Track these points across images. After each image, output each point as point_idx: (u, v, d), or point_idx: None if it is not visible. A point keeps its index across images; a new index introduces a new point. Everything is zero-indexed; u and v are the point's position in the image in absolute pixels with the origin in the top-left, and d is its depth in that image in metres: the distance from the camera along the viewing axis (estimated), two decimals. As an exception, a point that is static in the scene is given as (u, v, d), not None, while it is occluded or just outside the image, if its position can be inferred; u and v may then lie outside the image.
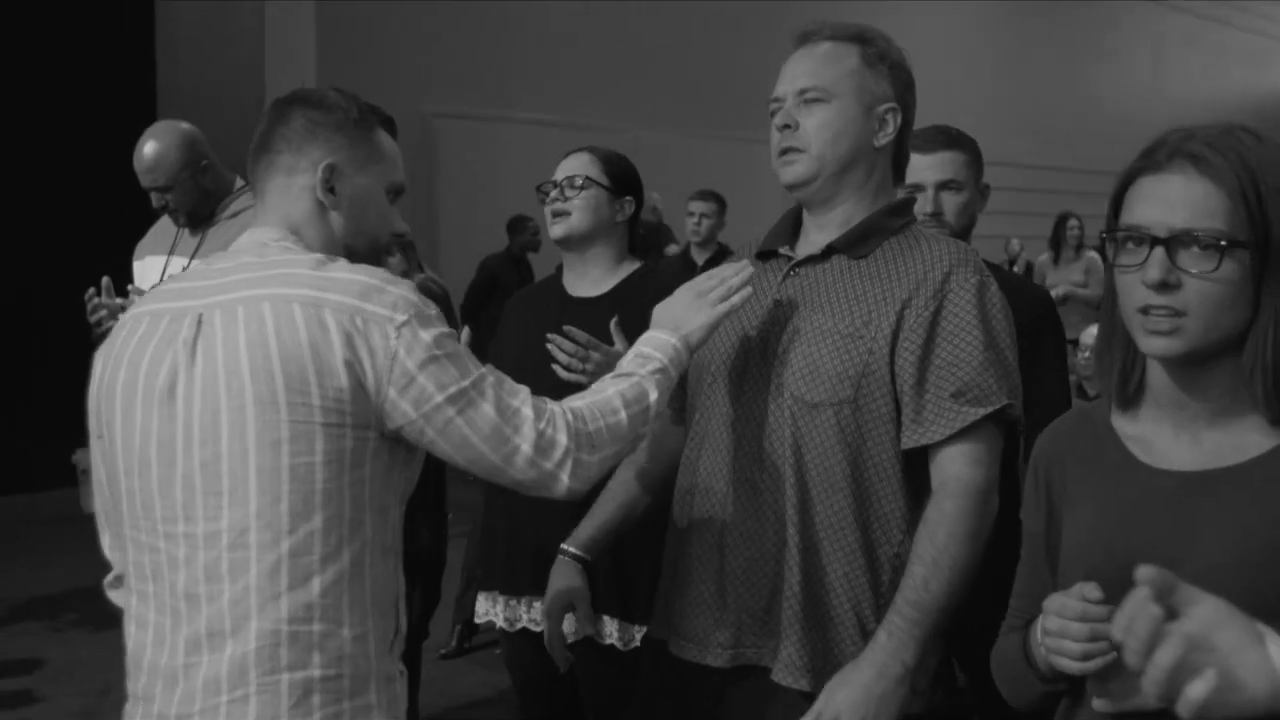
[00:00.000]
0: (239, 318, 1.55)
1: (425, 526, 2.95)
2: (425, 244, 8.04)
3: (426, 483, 2.74)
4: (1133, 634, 0.99)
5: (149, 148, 3.33)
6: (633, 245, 2.68)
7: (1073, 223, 8.42)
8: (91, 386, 1.69)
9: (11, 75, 7.33)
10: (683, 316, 1.86)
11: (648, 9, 10.50)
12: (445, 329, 1.61)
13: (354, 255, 1.72)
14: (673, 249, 7.46)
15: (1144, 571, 1.02)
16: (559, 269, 2.72)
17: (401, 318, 1.56)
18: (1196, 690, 0.97)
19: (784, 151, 1.90)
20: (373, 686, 1.59)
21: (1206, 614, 1.01)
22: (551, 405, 1.68)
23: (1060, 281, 8.33)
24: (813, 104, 1.88)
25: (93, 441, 1.70)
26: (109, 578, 1.79)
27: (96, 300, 3.29)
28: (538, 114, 9.81)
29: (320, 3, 8.46)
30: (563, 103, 9.98)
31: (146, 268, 3.54)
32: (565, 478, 1.65)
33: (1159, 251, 1.29)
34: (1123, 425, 1.43)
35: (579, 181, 2.56)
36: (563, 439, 1.64)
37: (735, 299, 1.85)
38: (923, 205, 2.59)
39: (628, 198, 2.62)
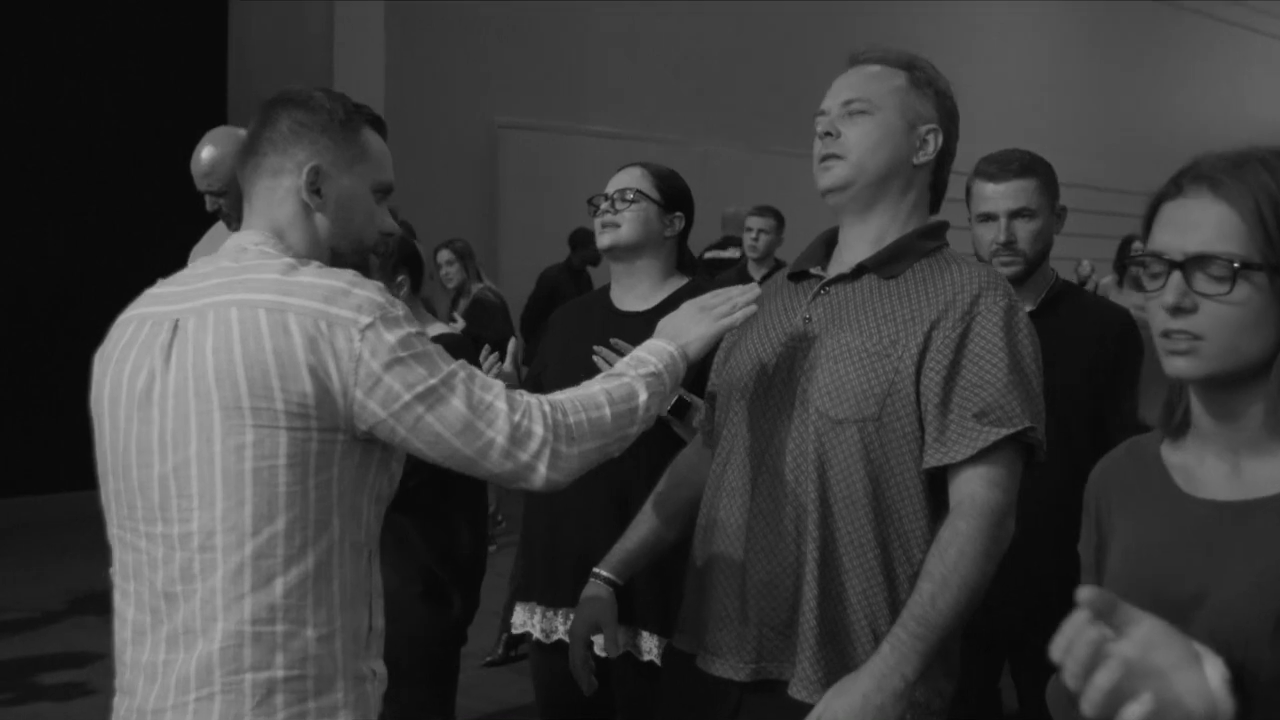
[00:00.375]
0: (209, 323, 1.58)
1: (466, 529, 2.96)
2: (485, 253, 8.11)
3: (467, 486, 2.75)
4: (1071, 656, 0.97)
5: (206, 152, 3.41)
6: (681, 262, 2.69)
7: (1137, 245, 8.31)
8: (91, 388, 1.74)
9: (84, 78, 7.50)
10: (683, 328, 1.89)
11: (718, 24, 10.51)
12: (413, 329, 1.62)
13: (340, 257, 1.73)
14: None
15: (1083, 593, 1.01)
16: (609, 284, 2.73)
17: (366, 320, 1.57)
18: (1133, 712, 0.96)
19: (824, 158, 1.92)
20: (340, 686, 1.61)
21: (1144, 635, 1.00)
22: (528, 397, 1.68)
23: (1124, 305, 8.21)
24: (856, 115, 1.91)
25: (95, 440, 1.74)
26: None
27: None
28: (604, 126, 9.85)
29: (390, 11, 8.56)
30: (630, 116, 10.02)
31: None
32: (543, 469, 1.65)
33: (1175, 275, 1.29)
34: (1169, 455, 1.43)
35: (630, 195, 2.58)
36: (539, 430, 1.64)
37: (738, 315, 1.88)
38: (995, 234, 2.61)
39: (678, 213, 2.64)
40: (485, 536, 4.92)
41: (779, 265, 5.86)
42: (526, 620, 2.64)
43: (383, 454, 1.66)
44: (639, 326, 2.48)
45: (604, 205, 2.61)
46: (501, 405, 1.63)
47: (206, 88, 7.86)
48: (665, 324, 1.92)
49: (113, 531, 1.69)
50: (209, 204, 3.47)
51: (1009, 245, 2.59)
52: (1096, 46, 15.02)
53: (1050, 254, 2.71)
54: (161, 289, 1.73)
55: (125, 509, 1.65)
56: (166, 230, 8.05)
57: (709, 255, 6.90)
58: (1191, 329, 1.29)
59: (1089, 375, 2.54)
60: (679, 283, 2.64)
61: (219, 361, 1.55)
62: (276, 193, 1.72)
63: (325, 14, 8.24)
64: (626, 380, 1.78)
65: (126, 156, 7.57)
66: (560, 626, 2.57)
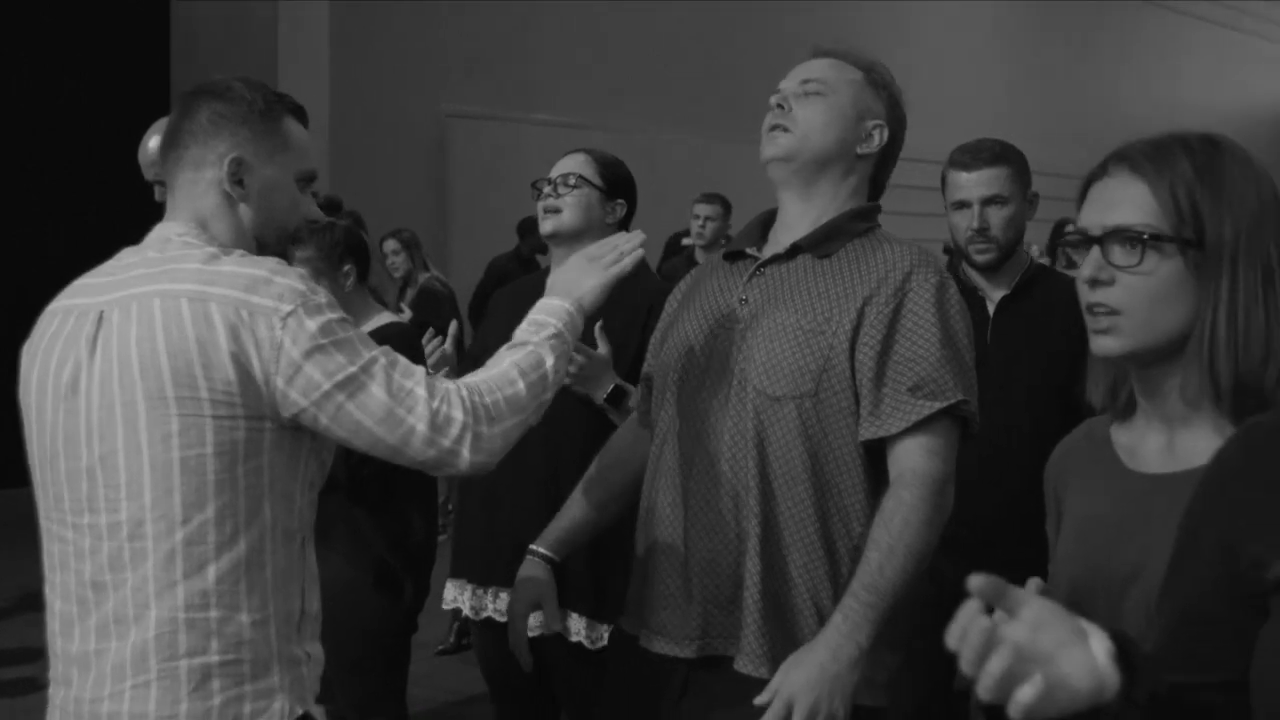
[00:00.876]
0: (132, 314, 1.59)
1: (418, 518, 2.98)
2: (434, 243, 8.09)
3: (419, 475, 2.75)
4: (966, 644, 1.02)
5: (153, 142, 3.38)
6: None
7: (1070, 227, 8.40)
8: (19, 381, 1.74)
9: (25, 76, 7.42)
10: (575, 281, 1.90)
11: (665, 13, 10.52)
12: (334, 315, 1.62)
13: (265, 246, 1.74)
14: None
15: (974, 581, 1.06)
16: (547, 267, 2.75)
17: (287, 308, 1.58)
18: (1024, 694, 1.00)
19: (772, 128, 1.97)
20: (275, 670, 1.63)
21: (1033, 616, 1.04)
22: (446, 383, 1.69)
23: None
24: (811, 95, 1.97)
25: (26, 432, 1.75)
26: None
27: None
28: (552, 115, 9.85)
29: (334, 1, 8.52)
30: (577, 105, 10.02)
31: None
32: (466, 452, 1.65)
33: (1094, 249, 1.35)
34: (1117, 434, 1.48)
35: (572, 180, 2.61)
36: (458, 415, 1.64)
37: (626, 262, 1.91)
38: (969, 221, 2.68)
39: (620, 200, 2.67)
40: (435, 525, 4.92)
41: (726, 252, 5.92)
42: (457, 596, 2.67)
43: (313, 441, 1.67)
44: None
45: (546, 190, 2.63)
46: (421, 392, 1.63)
47: (149, 82, 7.79)
48: (556, 280, 1.93)
49: (40, 523, 1.70)
50: (158, 194, 3.45)
51: (982, 231, 2.66)
52: (1037, 34, 15.17)
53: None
54: (88, 280, 1.73)
55: (52, 500, 1.66)
56: (108, 226, 7.99)
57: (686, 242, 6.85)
58: (1109, 302, 1.34)
59: (1062, 357, 2.56)
60: None
61: (143, 352, 1.56)
62: (199, 185, 1.72)
63: (269, 6, 8.19)
64: (532, 348, 1.79)
65: (68, 153, 7.51)
66: (490, 604, 2.60)
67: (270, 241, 1.76)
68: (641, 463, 2.10)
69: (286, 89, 6.40)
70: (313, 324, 1.58)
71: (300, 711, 1.65)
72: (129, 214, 8.57)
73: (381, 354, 1.65)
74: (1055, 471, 1.56)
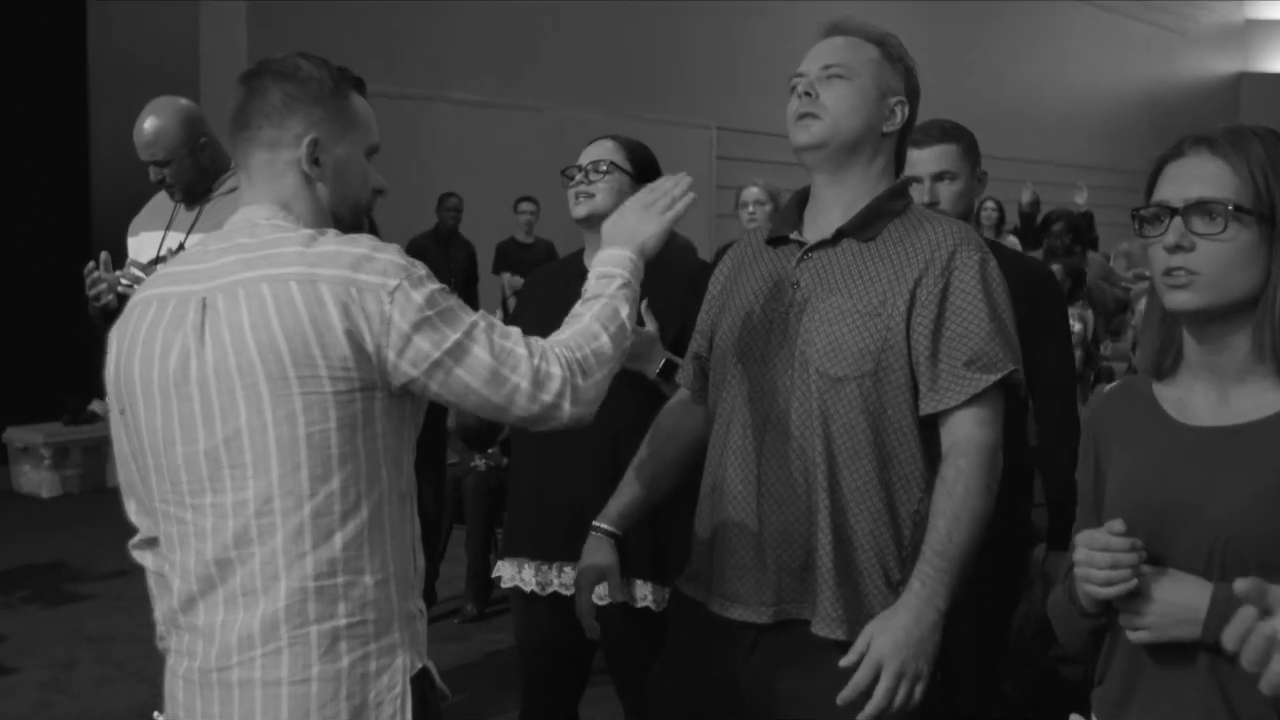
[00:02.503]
0: (240, 299, 1.63)
1: (428, 491, 3.05)
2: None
3: (429, 448, 2.81)
4: (1250, 646, 1.22)
5: (149, 123, 3.39)
6: None
7: (989, 204, 8.79)
8: (108, 365, 1.77)
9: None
10: (635, 228, 1.97)
11: (574, -9, 10.60)
12: (435, 286, 1.68)
13: (340, 221, 1.78)
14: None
15: (1240, 584, 1.24)
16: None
17: (393, 283, 1.63)
18: None
19: (801, 116, 2.04)
20: (396, 626, 1.70)
21: None
22: (541, 341, 1.76)
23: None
24: (834, 79, 2.03)
25: (114, 417, 1.79)
26: (135, 540, 1.89)
27: (96, 274, 3.35)
28: (465, 94, 9.88)
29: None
30: (490, 83, 10.06)
31: (142, 243, 3.59)
32: (567, 404, 1.73)
33: (1176, 220, 1.53)
34: (1161, 391, 1.65)
35: (604, 166, 2.69)
36: (557, 370, 1.72)
37: (680, 206, 2.00)
38: (920, 196, 2.80)
39: (648, 184, 2.75)
40: (444, 497, 4.98)
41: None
42: (515, 575, 2.72)
43: (414, 405, 1.73)
44: None
45: (578, 176, 2.70)
46: (522, 350, 1.71)
47: (66, 65, 7.63)
48: (613, 229, 1.99)
49: (154, 505, 1.74)
50: (153, 174, 3.46)
51: (932, 205, 2.78)
52: (932, 20, 15.55)
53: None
54: (176, 268, 1.75)
55: (168, 484, 1.69)
56: (33, 225, 7.84)
57: None
58: (1188, 265, 1.52)
59: None
60: None
61: (258, 336, 1.60)
62: (275, 165, 1.75)
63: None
64: (606, 300, 1.87)
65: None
66: (555, 580, 2.67)
67: (345, 216, 1.80)
68: (692, 436, 2.21)
69: (206, 67, 6.43)
70: (418, 296, 1.65)
71: (419, 665, 1.72)
72: (50, 210, 8.45)
73: (480, 317, 1.72)
74: (1094, 427, 1.72)
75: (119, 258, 3.50)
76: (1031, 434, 2.93)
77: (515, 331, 1.74)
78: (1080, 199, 10.98)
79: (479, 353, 1.68)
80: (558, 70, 10.57)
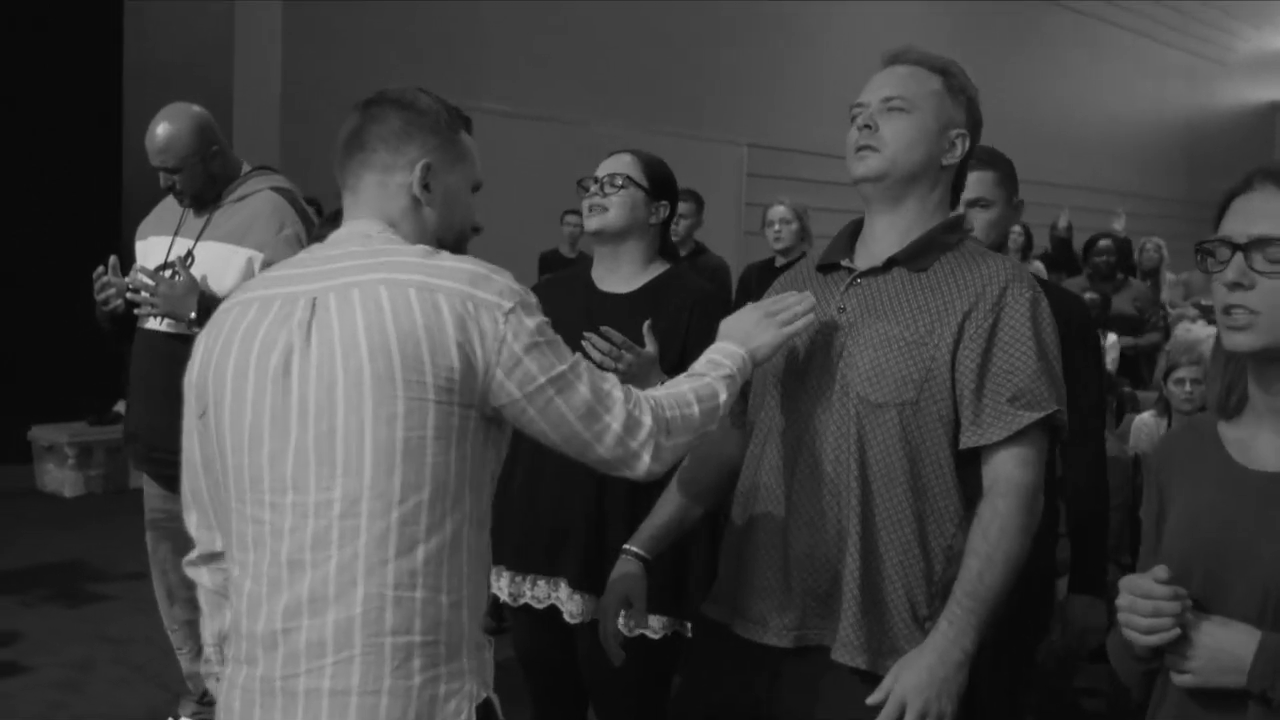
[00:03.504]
0: (354, 300, 1.64)
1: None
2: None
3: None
4: None
5: (161, 129, 3.41)
6: (664, 248, 2.80)
7: (1015, 229, 8.72)
8: (192, 368, 1.77)
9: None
10: (751, 333, 2.00)
11: (610, 6, 10.61)
12: (545, 318, 1.72)
13: (442, 246, 1.80)
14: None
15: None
16: (583, 260, 2.82)
17: (509, 304, 1.67)
18: None
19: (860, 148, 2.03)
20: (464, 652, 1.67)
21: None
22: (636, 390, 1.79)
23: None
24: (895, 111, 2.01)
25: (190, 422, 1.78)
26: (192, 555, 1.87)
27: (105, 279, 3.36)
28: (501, 106, 9.89)
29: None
30: (527, 96, 10.07)
31: (150, 247, 3.61)
32: (647, 458, 1.76)
33: (1237, 256, 1.49)
34: (1226, 431, 1.61)
35: (619, 180, 2.68)
36: (648, 420, 1.76)
37: (799, 324, 1.99)
38: None
39: (663, 201, 2.74)
40: None
41: (698, 249, 6.04)
42: (494, 582, 2.70)
43: (498, 434, 1.74)
44: (621, 308, 2.62)
45: (593, 188, 2.70)
46: (619, 394, 1.75)
47: (102, 70, 7.68)
48: (730, 327, 2.02)
49: (230, 506, 1.71)
50: (163, 180, 3.47)
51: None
52: (961, 38, 15.50)
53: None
54: (284, 271, 1.77)
55: (248, 482, 1.67)
56: (64, 209, 7.89)
57: None
58: (1248, 304, 1.48)
59: None
60: (660, 268, 2.74)
61: (371, 336, 1.61)
62: (388, 187, 1.80)
63: (225, 4, 8.12)
64: (709, 380, 1.90)
65: (17, 146, 7.39)
66: (527, 592, 2.66)
67: (447, 243, 1.82)
68: (731, 459, 2.17)
69: (241, 75, 6.45)
70: (531, 322, 1.68)
71: (484, 695, 1.69)
72: (81, 208, 8.50)
73: (580, 357, 1.76)
74: (1159, 463, 1.69)
75: (128, 262, 3.51)
76: (1056, 465, 2.89)
77: (612, 376, 1.79)
78: (1119, 225, 10.90)
79: (581, 388, 1.72)
80: (591, 84, 10.58)
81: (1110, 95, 17.91)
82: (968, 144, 2.07)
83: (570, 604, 2.59)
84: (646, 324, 2.44)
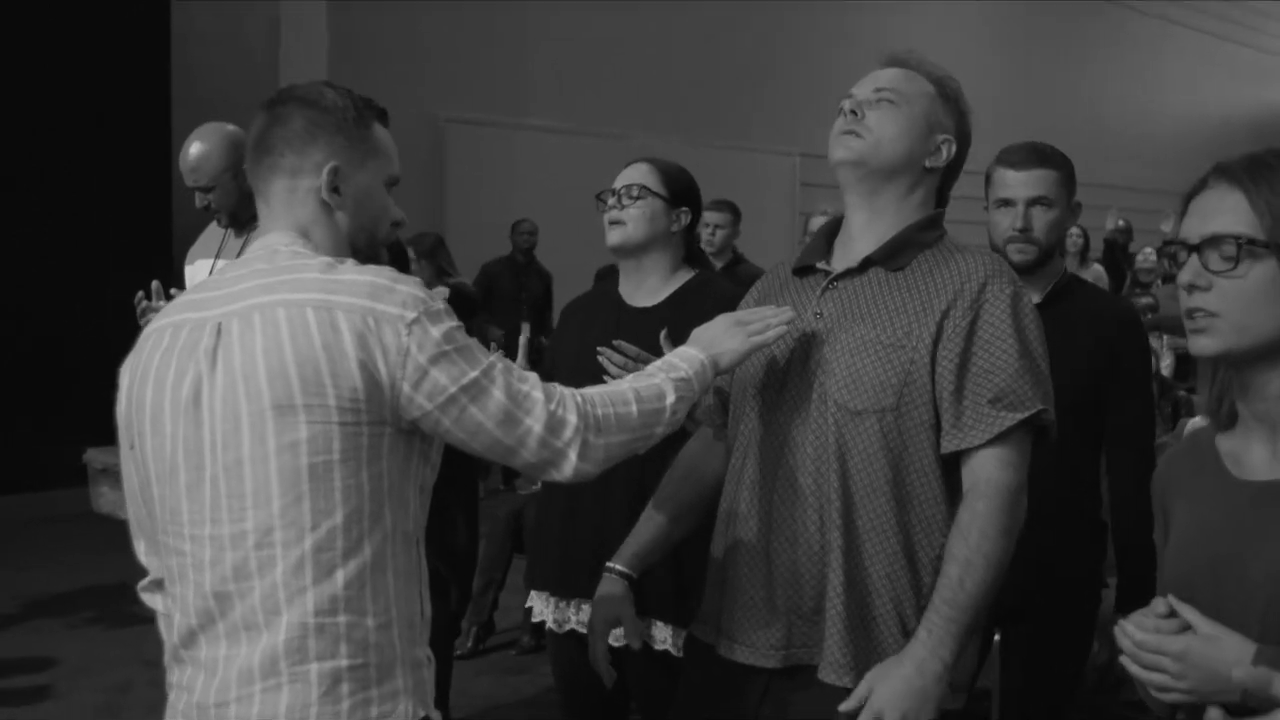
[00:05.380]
0: (255, 324, 1.59)
1: (462, 522, 3.01)
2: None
3: (464, 482, 2.79)
4: None
5: (194, 149, 3.39)
6: (690, 256, 2.72)
7: (1074, 232, 8.46)
8: (120, 399, 1.74)
9: (25, 74, 7.37)
10: (717, 339, 1.93)
11: (659, 18, 10.57)
12: (454, 322, 1.65)
13: (356, 251, 1.76)
14: None
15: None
16: (611, 276, 2.75)
17: (411, 315, 1.60)
18: None
19: (844, 132, 1.96)
20: (399, 672, 1.64)
21: None
22: (561, 388, 1.72)
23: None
24: (884, 103, 1.96)
25: (124, 453, 1.75)
26: (144, 582, 1.84)
27: (146, 304, 3.33)
28: (546, 120, 9.87)
29: (333, 5, 8.51)
30: (571, 110, 10.05)
31: (197, 271, 3.59)
32: (574, 456, 1.69)
33: (1192, 257, 1.42)
34: (1222, 442, 1.53)
35: (635, 191, 2.61)
36: (572, 418, 1.69)
37: (770, 334, 1.92)
38: (1013, 221, 2.67)
39: (684, 208, 2.65)
40: (477, 530, 4.97)
41: (736, 259, 5.94)
42: (542, 610, 2.66)
43: (423, 444, 1.68)
44: (648, 322, 2.52)
45: (611, 201, 2.62)
46: (538, 395, 1.68)
47: (149, 86, 7.75)
48: (700, 333, 1.96)
49: (154, 538, 1.70)
50: (198, 200, 3.45)
51: (1025, 232, 2.64)
52: (1022, 37, 15.29)
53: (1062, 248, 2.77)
54: (194, 296, 1.73)
55: (169, 514, 1.65)
56: (108, 227, 7.98)
57: None
58: (1206, 306, 1.40)
59: (1083, 375, 2.57)
60: (686, 276, 2.66)
61: (269, 361, 1.56)
62: (296, 193, 1.73)
63: (269, 11, 8.18)
64: (655, 382, 1.83)
65: (67, 156, 7.46)
66: (572, 616, 2.60)
67: (362, 246, 1.77)
68: (714, 474, 2.11)
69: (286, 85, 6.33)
70: (436, 331, 1.61)
71: (422, 714, 1.66)
72: (130, 216, 8.56)
73: (497, 359, 1.69)
74: (1162, 481, 1.61)
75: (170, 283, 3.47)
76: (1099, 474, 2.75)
77: (532, 376, 1.72)
78: (1166, 227, 10.63)
79: (495, 393, 1.65)
80: (639, 97, 10.55)
81: (1173, 95, 17.57)
82: (953, 150, 2.01)
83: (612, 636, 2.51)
84: (663, 333, 2.36)
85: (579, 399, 1.72)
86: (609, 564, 2.19)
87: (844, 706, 1.78)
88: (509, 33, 9.72)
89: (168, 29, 7.96)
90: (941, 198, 2.05)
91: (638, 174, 2.64)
